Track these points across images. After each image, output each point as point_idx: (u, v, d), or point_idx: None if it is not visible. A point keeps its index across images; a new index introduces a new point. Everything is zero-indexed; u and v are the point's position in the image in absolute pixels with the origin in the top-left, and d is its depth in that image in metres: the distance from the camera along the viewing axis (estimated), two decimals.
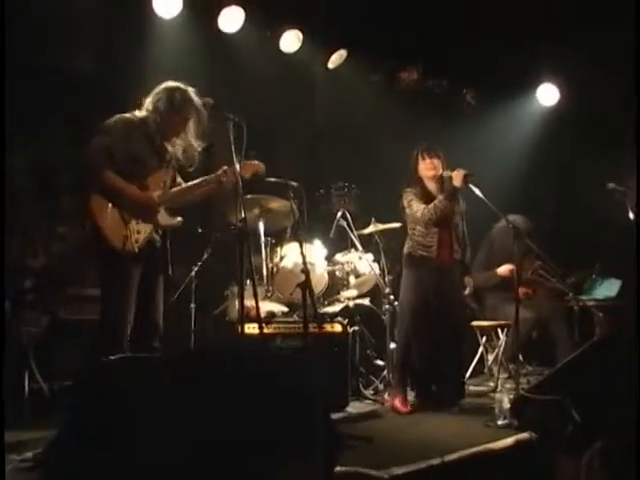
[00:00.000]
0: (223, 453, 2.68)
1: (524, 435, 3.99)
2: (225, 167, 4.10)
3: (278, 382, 3.00)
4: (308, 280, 4.02)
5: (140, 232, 3.97)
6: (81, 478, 2.46)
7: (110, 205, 3.90)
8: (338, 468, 3.12)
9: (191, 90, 4.09)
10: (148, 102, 4.09)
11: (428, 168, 5.21)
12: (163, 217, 4.10)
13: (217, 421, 2.72)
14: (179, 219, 4.17)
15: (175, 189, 4.19)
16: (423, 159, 5.23)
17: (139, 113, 4.09)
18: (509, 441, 3.93)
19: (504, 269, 6.29)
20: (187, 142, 4.16)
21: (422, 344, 5.10)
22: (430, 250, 5.19)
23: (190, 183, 4.22)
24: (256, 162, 4.21)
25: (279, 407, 2.90)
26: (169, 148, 4.17)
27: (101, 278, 4.09)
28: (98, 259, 4.02)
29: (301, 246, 4.24)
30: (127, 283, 3.91)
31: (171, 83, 4.09)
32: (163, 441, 2.60)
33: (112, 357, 2.69)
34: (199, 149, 4.19)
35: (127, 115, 4.06)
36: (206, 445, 2.64)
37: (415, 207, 5.15)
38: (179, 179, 4.29)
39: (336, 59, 7.04)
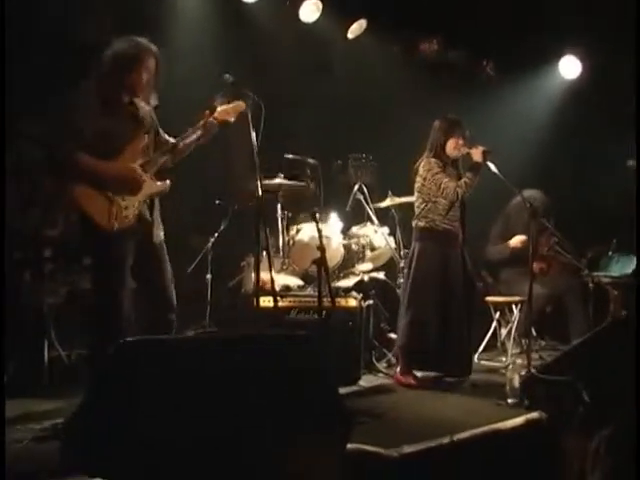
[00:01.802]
0: (234, 431, 2.73)
1: (534, 415, 4.02)
2: (207, 112, 4.03)
3: (291, 359, 3.04)
4: (324, 257, 4.05)
5: (128, 207, 3.84)
6: (100, 457, 2.52)
7: (92, 187, 3.77)
8: (348, 445, 3.17)
9: (144, 39, 3.91)
10: (105, 64, 3.86)
11: (457, 147, 5.17)
12: (149, 185, 3.95)
13: (229, 400, 2.77)
14: (167, 183, 4.02)
15: (160, 151, 4.04)
16: (455, 137, 5.17)
17: (95, 76, 3.89)
18: (519, 420, 3.94)
19: (516, 240, 6.31)
20: (154, 97, 4.02)
21: (440, 318, 5.10)
22: (454, 224, 5.19)
23: (174, 141, 4.08)
24: (235, 103, 4.05)
25: (291, 384, 2.94)
26: (140, 109, 3.98)
27: (95, 259, 4.02)
28: (90, 244, 3.97)
29: (317, 222, 4.25)
30: (121, 262, 3.84)
31: (123, 38, 3.89)
32: (177, 419, 2.66)
33: (129, 339, 2.72)
34: (154, 103, 4.05)
35: (84, 83, 3.90)
36: (217, 424, 2.70)
37: (444, 183, 5.07)
38: (165, 136, 4.13)
39: (356, 29, 6.97)
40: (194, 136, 4.05)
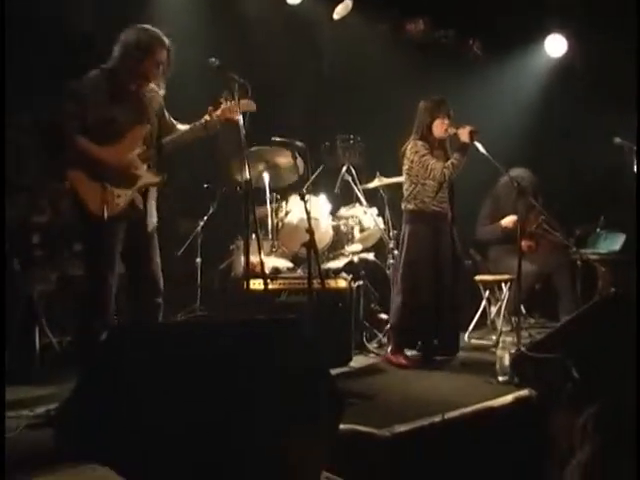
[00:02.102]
0: (225, 416, 2.75)
1: (524, 392, 4.07)
2: (210, 108, 4.03)
3: (281, 342, 3.05)
4: (313, 240, 4.06)
5: (120, 196, 3.85)
6: (95, 442, 2.54)
7: (87, 173, 3.78)
8: (341, 426, 3.20)
9: (157, 30, 3.92)
10: (115, 50, 3.89)
11: (444, 127, 5.14)
12: (146, 175, 3.97)
13: (220, 385, 2.79)
14: (164, 175, 4.04)
15: (161, 142, 4.05)
16: (441, 118, 5.15)
17: (107, 65, 3.91)
18: (509, 398, 4.00)
19: (507, 220, 6.34)
20: (162, 85, 4.02)
21: (431, 298, 5.12)
22: (443, 206, 5.20)
23: (173, 135, 4.10)
24: (245, 101, 4.00)
25: (283, 368, 2.96)
26: (145, 97, 4.00)
27: (85, 245, 4.08)
28: (81, 229, 3.99)
29: (305, 205, 4.26)
30: (110, 248, 3.87)
31: (133, 27, 3.92)
32: (169, 404, 2.67)
33: (121, 324, 2.73)
34: (162, 92, 4.06)
35: (94, 72, 3.89)
36: (209, 408, 2.72)
37: (432, 164, 5.07)
38: (172, 120, 4.16)
39: (341, 10, 6.93)
40: (196, 130, 4.05)
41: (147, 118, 3.99)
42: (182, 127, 4.14)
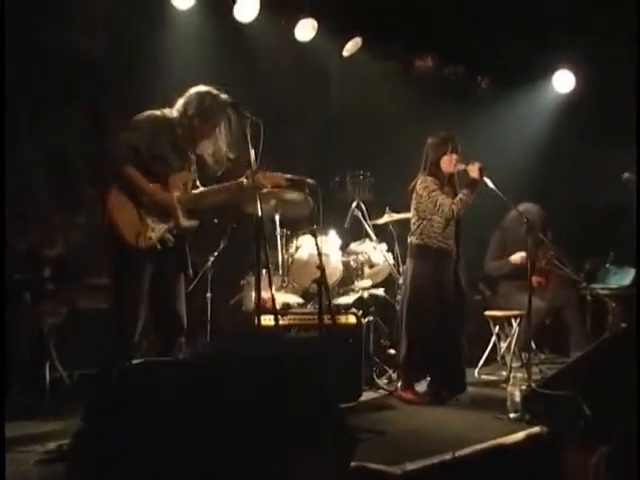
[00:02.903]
0: (237, 451, 2.75)
1: (535, 429, 4.04)
2: (248, 172, 4.09)
3: (293, 378, 3.06)
4: (324, 276, 4.08)
5: (155, 230, 4.00)
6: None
7: (128, 201, 3.96)
8: (351, 463, 3.19)
9: (223, 95, 4.11)
10: (179, 104, 4.13)
11: (452, 163, 5.18)
12: (180, 219, 4.12)
13: (232, 421, 2.79)
14: (196, 222, 4.20)
15: (197, 191, 4.23)
16: (449, 153, 5.18)
17: (169, 113, 4.12)
18: (520, 435, 3.97)
19: (517, 257, 6.36)
20: (217, 147, 4.19)
21: (439, 335, 5.11)
22: (449, 242, 5.21)
23: (212, 187, 4.26)
24: (278, 174, 4.23)
25: (294, 404, 2.96)
26: (195, 151, 4.21)
27: (113, 272, 4.14)
28: (111, 253, 4.07)
29: (316, 241, 4.28)
30: (138, 279, 3.96)
31: (203, 87, 4.13)
32: (182, 440, 2.68)
33: (135, 361, 2.75)
34: (230, 156, 4.23)
35: (157, 113, 4.09)
36: (220, 444, 2.72)
37: (440, 200, 5.09)
38: (198, 183, 4.32)
39: (351, 47, 7.03)
40: (231, 189, 4.20)
41: (191, 167, 4.20)
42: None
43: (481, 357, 6.11)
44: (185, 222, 4.15)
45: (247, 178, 4.08)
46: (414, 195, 5.27)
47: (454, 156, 5.19)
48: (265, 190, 4.94)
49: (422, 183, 5.20)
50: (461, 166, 5.16)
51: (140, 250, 3.94)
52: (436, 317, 5.11)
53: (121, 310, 4.00)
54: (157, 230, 4.01)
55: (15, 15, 4.03)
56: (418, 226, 5.24)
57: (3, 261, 4.27)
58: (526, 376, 4.90)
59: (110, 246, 4.04)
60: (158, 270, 4.04)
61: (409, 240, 5.31)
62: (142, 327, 3.99)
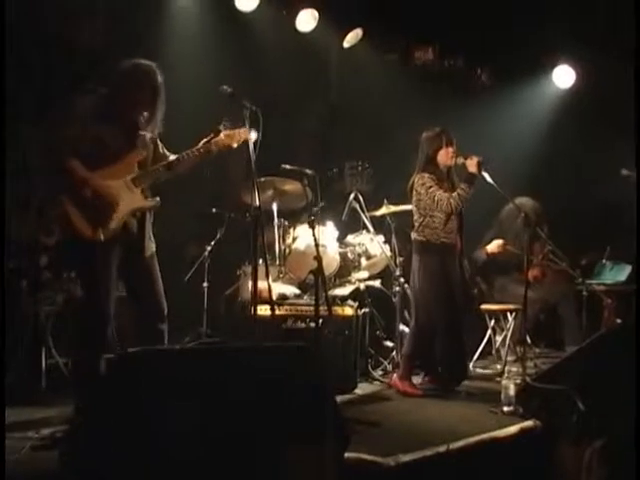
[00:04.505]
0: (232, 442, 2.76)
1: (528, 423, 4.06)
2: (211, 134, 4.08)
3: (288, 370, 3.07)
4: (320, 268, 4.07)
5: (113, 219, 3.84)
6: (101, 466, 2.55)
7: (78, 197, 3.79)
8: (346, 454, 3.21)
9: (154, 65, 3.97)
10: (111, 79, 3.96)
11: (449, 156, 5.16)
12: (138, 200, 3.97)
13: (226, 411, 2.80)
14: (157, 200, 4.05)
15: (162, 163, 4.07)
16: (446, 147, 5.17)
17: (104, 91, 3.97)
18: (513, 429, 3.99)
19: (492, 245, 6.36)
20: (155, 118, 4.03)
21: (443, 329, 5.13)
22: (451, 237, 5.19)
23: (178, 155, 4.10)
24: (242, 129, 4.06)
25: (289, 395, 2.97)
26: (139, 124, 4.02)
27: (78, 269, 4.12)
28: (75, 253, 3.97)
29: (314, 232, 4.28)
30: (106, 273, 3.85)
31: (134, 60, 3.97)
32: (176, 430, 2.69)
33: (132, 350, 2.76)
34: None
35: (90, 95, 3.95)
36: (215, 435, 2.73)
37: (438, 195, 5.07)
38: (165, 151, 4.17)
39: (352, 38, 7.02)
40: (192, 157, 4.08)
41: (142, 145, 4.03)
42: (174, 156, 4.16)
43: (476, 350, 6.11)
44: (144, 202, 4.00)
45: (209, 138, 4.05)
46: (413, 193, 5.26)
47: (450, 149, 5.17)
48: (263, 179, 4.97)
49: (419, 180, 5.19)
50: (459, 160, 5.14)
51: (101, 243, 3.79)
52: (443, 311, 5.11)
53: (92, 306, 3.88)
54: (116, 218, 3.85)
55: None
56: (420, 223, 5.23)
57: (2, 250, 4.26)
58: (521, 370, 4.91)
59: (70, 245, 3.94)
60: (127, 257, 3.94)
61: (412, 237, 5.31)
62: (114, 319, 3.94)
